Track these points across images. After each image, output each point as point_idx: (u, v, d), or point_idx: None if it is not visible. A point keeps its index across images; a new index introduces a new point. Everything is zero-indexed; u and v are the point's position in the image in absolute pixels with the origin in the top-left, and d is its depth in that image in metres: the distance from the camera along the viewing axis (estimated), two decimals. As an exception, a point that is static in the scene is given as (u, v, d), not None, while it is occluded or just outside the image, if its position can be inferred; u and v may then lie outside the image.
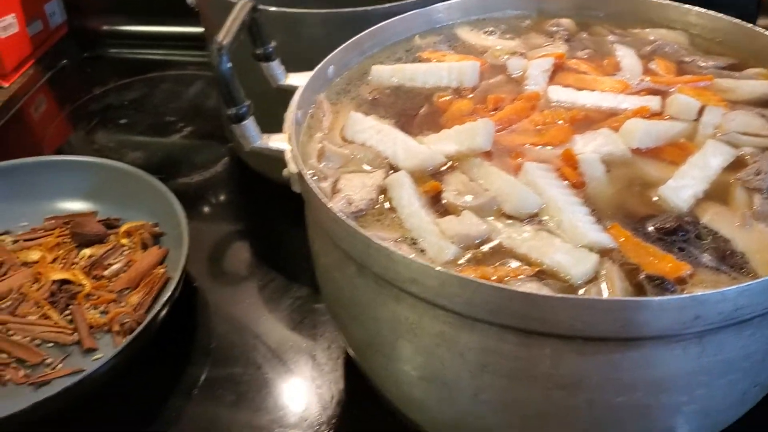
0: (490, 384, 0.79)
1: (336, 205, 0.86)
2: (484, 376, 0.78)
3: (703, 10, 1.12)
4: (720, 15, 1.11)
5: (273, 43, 1.02)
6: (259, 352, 1.11)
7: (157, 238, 1.27)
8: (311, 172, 0.91)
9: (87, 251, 1.26)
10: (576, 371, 0.74)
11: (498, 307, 0.71)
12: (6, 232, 1.30)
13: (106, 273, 1.22)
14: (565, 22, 1.19)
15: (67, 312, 1.14)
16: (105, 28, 1.97)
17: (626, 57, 1.10)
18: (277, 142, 0.92)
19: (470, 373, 0.79)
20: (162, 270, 1.19)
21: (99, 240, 1.27)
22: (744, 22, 1.08)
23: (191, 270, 1.22)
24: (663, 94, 1.02)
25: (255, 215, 1.41)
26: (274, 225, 1.37)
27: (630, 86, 1.04)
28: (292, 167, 0.87)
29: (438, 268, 0.72)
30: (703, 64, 1.08)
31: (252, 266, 1.28)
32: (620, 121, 0.96)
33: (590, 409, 0.77)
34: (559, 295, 0.71)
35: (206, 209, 1.42)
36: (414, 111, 1.03)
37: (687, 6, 1.14)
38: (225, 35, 0.88)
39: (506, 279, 0.78)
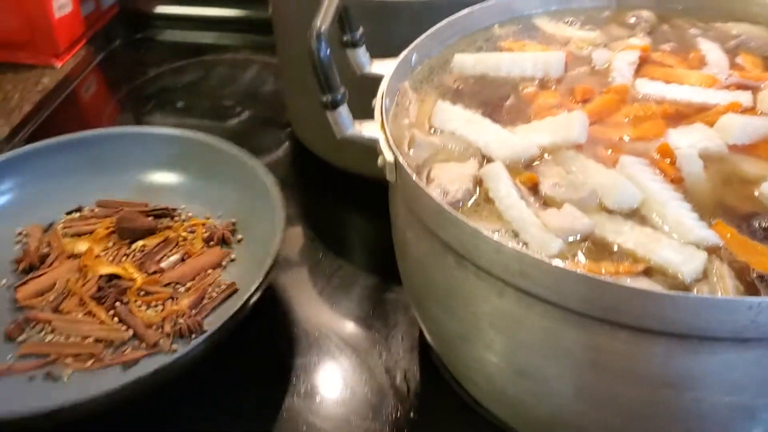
0: (596, 381, 0.78)
1: (432, 194, 0.85)
2: (590, 373, 0.78)
3: (789, 4, 1.10)
4: (808, 9, 1.09)
5: (361, 30, 1.01)
6: (332, 342, 1.10)
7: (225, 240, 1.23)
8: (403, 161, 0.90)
9: (140, 242, 1.21)
10: (687, 370, 0.73)
11: (615, 304, 0.70)
12: (78, 209, 1.28)
13: (163, 265, 1.17)
14: (646, 14, 1.17)
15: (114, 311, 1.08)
16: (157, 10, 1.96)
17: (711, 51, 1.08)
18: (369, 129, 0.91)
19: (575, 369, 0.78)
20: (218, 272, 1.16)
21: (150, 233, 1.22)
22: (835, 18, 1.06)
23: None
24: (753, 89, 1.00)
25: (318, 202, 1.40)
26: (338, 212, 1.37)
27: (718, 81, 1.02)
28: (388, 155, 0.86)
29: (555, 263, 0.71)
30: (791, 60, 1.06)
31: (318, 255, 1.27)
32: (712, 116, 0.94)
33: (696, 408, 0.76)
34: (683, 293, 0.69)
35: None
36: (500, 101, 1.02)
37: (772, 0, 1.12)
38: (323, 20, 0.87)
39: (614, 276, 0.76)
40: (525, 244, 0.81)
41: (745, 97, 0.99)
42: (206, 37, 1.88)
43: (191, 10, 1.92)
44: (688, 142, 0.92)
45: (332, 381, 1.06)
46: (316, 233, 1.32)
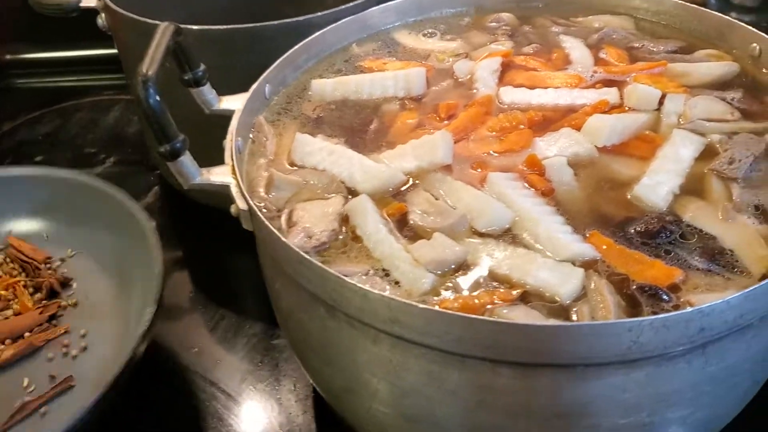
0: (486, 420, 0.73)
1: (295, 240, 0.79)
2: (479, 412, 0.72)
3: (644, -8, 1.09)
4: (663, -3, 1.07)
5: (202, 67, 0.94)
6: (219, 402, 1.02)
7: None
8: (261, 205, 0.83)
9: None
10: (577, 399, 0.69)
11: (492, 342, 0.65)
12: None
13: None
14: (506, 16, 1.14)
15: None
16: (8, 57, 1.82)
17: (575, 48, 1.05)
18: (219, 175, 0.83)
19: (464, 410, 0.73)
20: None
21: None
22: (689, 3, 1.05)
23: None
24: (619, 84, 0.98)
25: (194, 246, 1.31)
26: (217, 255, 1.28)
27: (584, 79, 1.00)
28: (240, 203, 0.79)
29: (423, 306, 0.65)
30: (653, 49, 1.04)
31: (199, 303, 1.18)
32: (580, 118, 0.91)
33: (593, 433, 0.72)
34: (558, 323, 0.65)
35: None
36: (364, 126, 0.96)
37: (627, -11, 1.10)
38: (149, 65, 0.79)
39: (490, 306, 0.71)
40: (396, 282, 0.75)
41: (612, 94, 0.96)
42: (65, 81, 1.76)
43: (47, 55, 1.79)
44: (557, 149, 0.88)
45: (223, 447, 0.98)
46: (193, 279, 1.23)
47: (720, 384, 0.72)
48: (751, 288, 0.64)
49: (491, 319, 0.64)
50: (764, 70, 0.98)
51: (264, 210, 0.83)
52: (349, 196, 0.85)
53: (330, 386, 0.87)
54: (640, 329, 0.62)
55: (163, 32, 0.85)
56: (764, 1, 1.71)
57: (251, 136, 0.94)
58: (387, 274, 0.76)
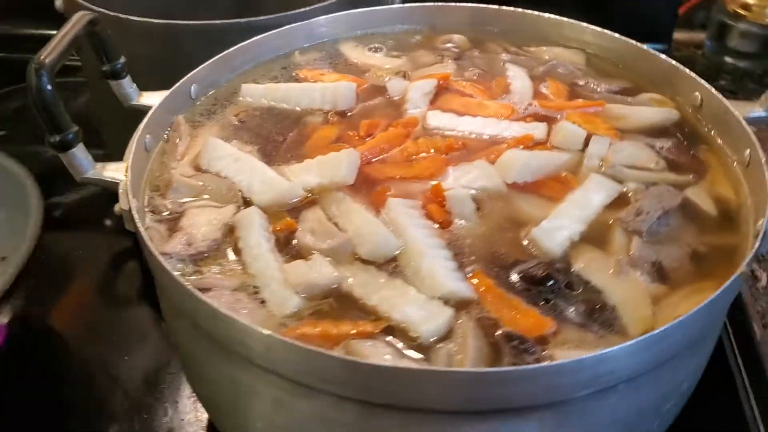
0: (334, 452, 0.70)
1: (173, 246, 0.77)
2: (325, 444, 0.70)
3: (599, 29, 1.05)
4: (616, 35, 1.04)
5: (122, 60, 0.92)
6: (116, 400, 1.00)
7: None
8: (147, 207, 0.81)
9: None
10: (423, 443, 0.66)
11: (330, 376, 0.63)
12: None
13: None
14: (457, 38, 1.11)
15: None
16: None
17: (517, 78, 1.02)
18: (112, 171, 0.82)
19: (311, 439, 0.70)
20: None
21: None
22: (640, 44, 1.01)
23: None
24: (550, 120, 0.94)
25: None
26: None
27: (516, 111, 0.96)
28: (123, 203, 0.77)
29: (264, 331, 0.63)
30: (596, 88, 1.01)
31: (140, 294, 1.17)
32: (501, 151, 0.88)
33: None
34: (389, 365, 0.62)
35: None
36: (282, 136, 0.94)
37: (583, 24, 1.07)
38: (49, 53, 0.78)
39: (349, 336, 0.69)
40: (263, 301, 0.73)
41: (539, 129, 0.93)
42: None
43: (23, 31, 1.79)
44: (466, 181, 0.85)
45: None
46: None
47: (580, 447, 0.68)
48: (607, 350, 0.61)
49: (323, 351, 0.61)
50: (702, 122, 0.94)
51: (151, 212, 0.82)
52: (242, 207, 0.82)
53: (202, 397, 0.85)
54: (476, 382, 0.59)
55: (75, 21, 0.84)
56: (761, 47, 1.66)
57: (166, 135, 0.93)
58: (257, 292, 0.74)
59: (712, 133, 0.92)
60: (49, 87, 0.76)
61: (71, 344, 1.10)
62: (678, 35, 1.79)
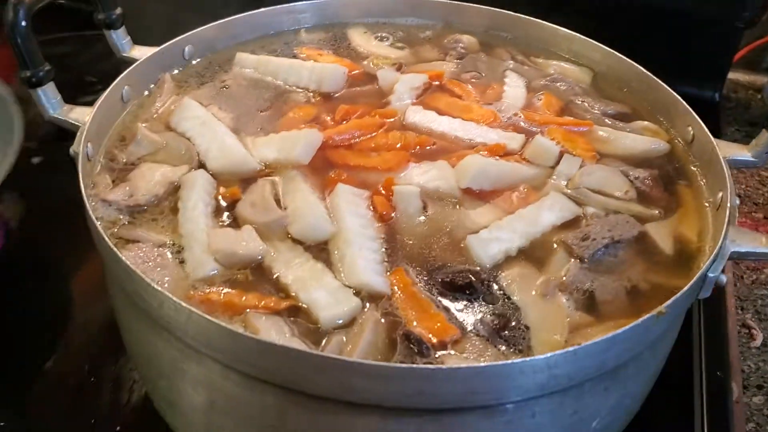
0: (220, 424, 0.70)
1: (114, 194, 0.79)
2: (213, 414, 0.70)
3: (608, 49, 1.01)
4: (624, 57, 1.00)
5: (118, 11, 0.94)
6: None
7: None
8: (109, 156, 0.84)
9: None
10: (301, 427, 0.65)
11: (213, 342, 0.63)
12: None
13: None
14: (466, 39, 1.09)
15: None
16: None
17: (513, 87, 0.99)
18: (78, 114, 0.84)
19: (202, 407, 0.71)
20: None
21: None
22: (645, 70, 0.97)
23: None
24: (530, 134, 0.92)
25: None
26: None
27: (499, 119, 0.94)
28: (75, 145, 0.79)
29: (156, 287, 0.63)
30: (591, 108, 0.97)
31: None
32: (467, 155, 0.86)
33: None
34: (256, 337, 0.61)
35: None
36: (261, 109, 0.94)
37: (594, 42, 1.03)
38: (31, -7, 0.80)
39: (252, 309, 0.68)
40: (182, 262, 0.73)
41: (516, 140, 0.90)
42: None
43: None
44: (424, 179, 0.83)
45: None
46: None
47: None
48: (481, 364, 0.59)
49: (202, 314, 0.61)
50: (691, 158, 0.89)
51: (109, 160, 0.83)
52: (195, 169, 0.83)
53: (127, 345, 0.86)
54: (344, 369, 0.58)
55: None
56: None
57: (152, 88, 0.94)
58: (180, 252, 0.74)
59: (697, 171, 0.87)
60: (23, 23, 0.78)
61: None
62: (739, 76, 1.72)
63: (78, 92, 1.50)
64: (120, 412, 0.94)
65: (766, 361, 1.12)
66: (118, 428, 0.91)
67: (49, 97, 0.83)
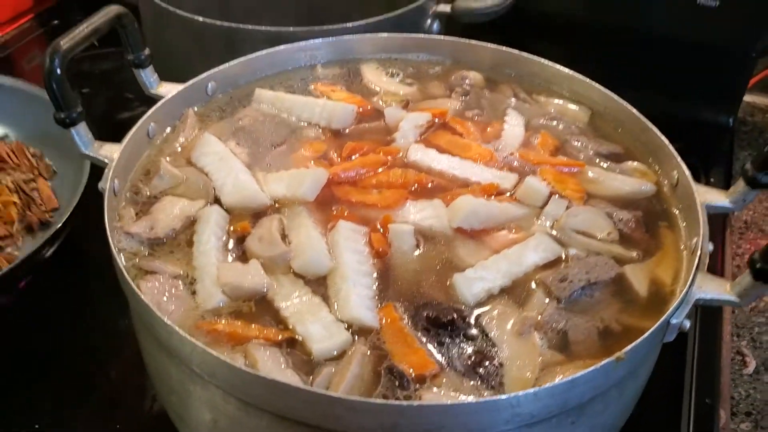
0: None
1: (137, 227, 0.87)
2: (216, 430, 0.78)
3: (606, 91, 1.06)
4: (618, 99, 1.05)
5: (146, 51, 1.02)
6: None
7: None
8: (134, 189, 0.92)
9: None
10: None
11: (211, 369, 0.70)
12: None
13: None
14: (473, 75, 1.15)
15: None
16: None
17: (512, 125, 1.05)
18: (107, 151, 0.92)
19: (207, 424, 0.79)
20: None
21: None
22: (638, 113, 1.02)
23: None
24: (522, 174, 0.98)
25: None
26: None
27: (495, 158, 1.00)
28: (101, 182, 0.87)
29: (166, 321, 0.71)
30: (585, 148, 1.02)
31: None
32: (461, 194, 0.92)
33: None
34: (252, 371, 0.69)
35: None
36: (275, 144, 1.02)
37: (592, 83, 1.08)
38: (68, 40, 0.88)
39: (254, 339, 0.76)
40: (194, 292, 0.81)
41: (509, 180, 0.96)
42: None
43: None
44: (419, 217, 0.90)
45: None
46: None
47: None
48: (449, 402, 0.66)
49: (200, 345, 0.68)
50: (674, 201, 0.94)
51: (134, 193, 0.92)
52: (211, 204, 0.91)
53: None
54: (327, 403, 0.66)
55: (103, 14, 0.94)
56: None
57: (176, 124, 1.03)
58: (192, 283, 0.82)
59: (679, 214, 0.93)
60: (58, 71, 0.87)
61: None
62: (756, 99, 1.75)
63: (118, 108, 1.61)
64: (143, 419, 1.04)
65: (756, 389, 1.16)
66: (139, 435, 1.01)
67: (81, 136, 0.91)
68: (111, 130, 1.19)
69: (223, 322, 0.78)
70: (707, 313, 1.18)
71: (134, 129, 0.95)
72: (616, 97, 1.05)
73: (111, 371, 1.08)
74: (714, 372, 1.12)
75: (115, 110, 1.64)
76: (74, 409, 1.03)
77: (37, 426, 1.02)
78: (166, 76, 1.05)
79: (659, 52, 1.52)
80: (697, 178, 0.90)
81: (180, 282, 0.82)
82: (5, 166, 1.31)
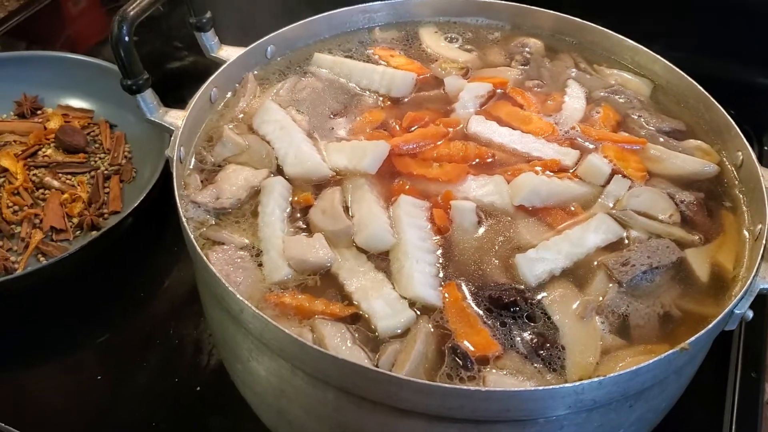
0: (288, 409, 0.81)
1: (203, 196, 0.88)
2: (282, 400, 0.80)
3: (670, 65, 1.05)
4: (683, 74, 1.03)
5: (208, 14, 1.02)
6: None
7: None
8: (198, 156, 0.93)
9: (50, 151, 1.33)
10: (355, 422, 0.76)
11: (281, 344, 0.73)
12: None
13: (55, 183, 1.27)
14: (533, 43, 1.13)
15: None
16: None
17: (573, 98, 1.04)
18: (172, 118, 0.93)
19: (273, 392, 0.82)
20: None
21: (81, 150, 1.33)
22: (703, 90, 1.00)
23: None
24: (584, 150, 0.97)
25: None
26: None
27: (557, 132, 0.99)
28: (170, 149, 0.89)
29: (238, 296, 0.73)
30: (646, 123, 1.01)
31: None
32: (521, 171, 0.92)
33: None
34: (321, 349, 0.70)
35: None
36: (335, 112, 1.02)
37: (656, 55, 1.06)
38: (134, 7, 0.89)
39: (319, 314, 0.78)
40: (260, 264, 0.83)
41: (570, 156, 0.96)
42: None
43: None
44: (481, 193, 0.90)
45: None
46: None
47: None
48: (516, 389, 0.68)
49: (273, 323, 0.70)
50: (738, 183, 0.93)
51: (198, 161, 0.93)
52: (274, 174, 0.92)
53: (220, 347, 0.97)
54: (391, 383, 0.68)
55: (167, -21, 0.94)
56: None
57: (237, 88, 1.03)
58: (259, 255, 0.84)
59: (743, 197, 0.92)
60: (126, 38, 0.87)
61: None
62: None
63: (167, 57, 1.61)
64: (200, 374, 1.07)
65: (802, 365, 1.17)
66: (198, 388, 1.05)
67: (147, 102, 0.92)
68: (162, 81, 1.21)
69: (290, 295, 0.80)
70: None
71: (198, 95, 0.95)
72: (681, 72, 1.03)
73: (170, 329, 1.11)
74: (760, 346, 1.13)
75: (165, 60, 1.65)
76: (137, 362, 1.07)
77: (99, 377, 1.07)
78: (226, 41, 1.05)
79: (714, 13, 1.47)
80: (751, 146, 0.90)
81: (246, 253, 0.84)
82: (98, 150, 1.35)
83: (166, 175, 1.16)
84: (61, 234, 1.20)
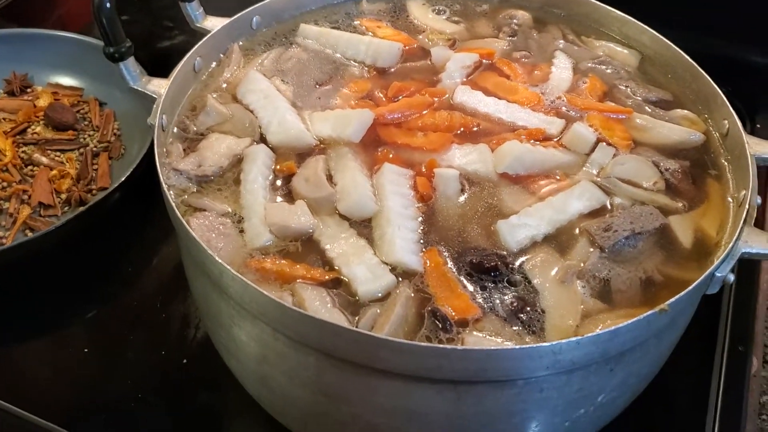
0: (270, 375, 0.81)
1: (185, 164, 0.88)
2: (264, 366, 0.80)
3: (658, 35, 1.04)
4: (671, 44, 1.02)
5: (193, -16, 1.02)
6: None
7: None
8: (181, 125, 0.93)
9: (39, 129, 1.32)
10: (336, 385, 0.75)
11: (261, 307, 0.72)
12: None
13: (43, 160, 1.27)
14: (521, 15, 1.13)
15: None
16: None
17: (560, 68, 1.04)
18: (155, 86, 0.93)
19: (255, 358, 0.81)
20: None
21: (70, 127, 1.33)
22: (690, 59, 1.00)
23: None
24: (569, 119, 0.97)
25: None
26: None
27: (542, 102, 0.99)
28: (150, 118, 0.88)
29: (217, 259, 0.73)
30: (633, 94, 1.01)
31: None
32: (506, 140, 0.92)
33: (354, 422, 0.78)
34: (301, 311, 0.70)
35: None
36: (319, 81, 1.01)
37: (644, 26, 1.06)
38: (114, -27, 0.88)
39: (300, 279, 0.78)
40: (242, 231, 0.83)
41: (556, 125, 0.95)
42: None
43: None
44: (464, 161, 0.90)
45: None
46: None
47: (478, 427, 0.75)
48: (493, 347, 0.67)
49: (252, 285, 0.70)
50: (723, 152, 0.93)
51: (181, 129, 0.93)
52: (257, 142, 0.92)
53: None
54: (370, 343, 0.68)
55: (151, -54, 0.94)
56: None
57: (220, 58, 1.03)
58: (240, 221, 0.84)
59: (728, 165, 0.92)
60: (108, 4, 0.87)
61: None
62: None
63: (157, 37, 1.61)
64: (187, 346, 1.07)
65: (791, 338, 1.17)
66: (184, 361, 1.05)
67: (130, 71, 0.92)
68: (151, 58, 1.22)
69: (271, 260, 0.79)
70: (745, 263, 1.17)
71: (181, 64, 0.95)
72: (668, 42, 1.03)
73: (158, 303, 1.11)
74: (748, 320, 1.12)
75: (154, 38, 1.64)
76: (124, 336, 1.07)
77: (86, 350, 1.07)
78: (211, 11, 1.05)
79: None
80: (742, 124, 0.89)
81: (228, 220, 0.84)
82: (87, 128, 1.34)
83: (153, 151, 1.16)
84: (49, 210, 1.20)
